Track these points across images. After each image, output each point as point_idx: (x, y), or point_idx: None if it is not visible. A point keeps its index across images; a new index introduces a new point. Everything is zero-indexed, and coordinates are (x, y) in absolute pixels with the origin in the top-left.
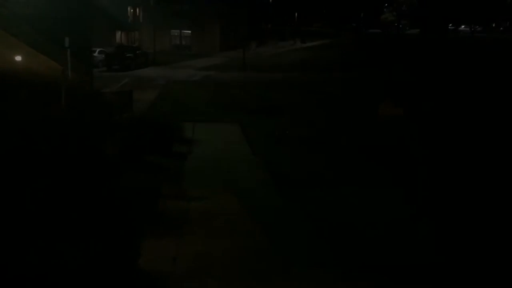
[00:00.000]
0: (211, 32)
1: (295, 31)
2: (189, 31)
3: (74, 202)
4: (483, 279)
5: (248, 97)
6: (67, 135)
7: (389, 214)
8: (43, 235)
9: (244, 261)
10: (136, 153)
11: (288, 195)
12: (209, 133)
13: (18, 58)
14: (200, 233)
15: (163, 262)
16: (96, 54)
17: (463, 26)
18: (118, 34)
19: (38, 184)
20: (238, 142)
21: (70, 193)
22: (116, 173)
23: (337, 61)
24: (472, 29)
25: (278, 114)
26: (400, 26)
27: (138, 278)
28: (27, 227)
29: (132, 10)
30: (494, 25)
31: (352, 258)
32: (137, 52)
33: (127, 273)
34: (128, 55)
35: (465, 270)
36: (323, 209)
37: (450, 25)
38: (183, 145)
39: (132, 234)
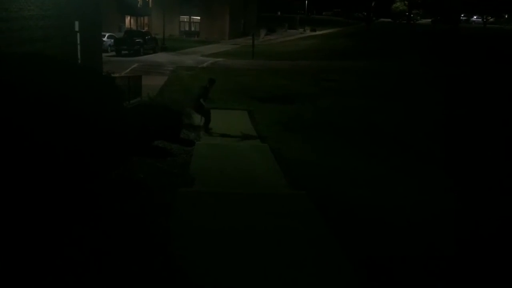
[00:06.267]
0: (220, 18)
1: (305, 19)
2: (199, 17)
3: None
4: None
5: (256, 84)
6: (78, 118)
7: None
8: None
9: None
10: (144, 138)
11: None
12: (217, 120)
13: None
14: None
15: None
16: (105, 39)
17: (475, 17)
18: (128, 19)
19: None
20: (247, 129)
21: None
22: (125, 158)
23: (347, 50)
24: (485, 19)
25: (287, 102)
26: (411, 15)
27: None
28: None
29: None
30: (506, 16)
31: None
32: (146, 37)
33: None
34: (137, 40)
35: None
36: None
37: (463, 15)
38: (191, 131)
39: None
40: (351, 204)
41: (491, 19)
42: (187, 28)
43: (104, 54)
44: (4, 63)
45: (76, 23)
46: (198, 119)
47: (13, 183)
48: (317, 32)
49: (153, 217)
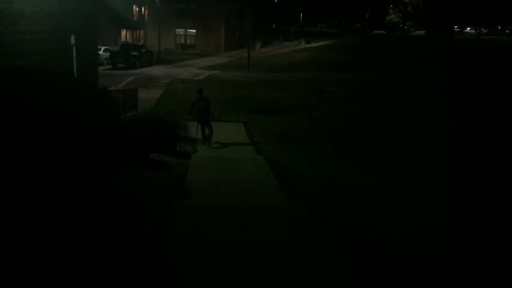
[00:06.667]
0: (216, 31)
1: (299, 31)
2: (194, 30)
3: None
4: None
5: (252, 96)
6: (74, 132)
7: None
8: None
9: None
10: (140, 151)
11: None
12: (213, 133)
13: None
14: None
15: None
16: (101, 52)
17: (468, 28)
18: (124, 32)
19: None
20: (243, 142)
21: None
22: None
23: (342, 61)
24: (478, 31)
25: (283, 114)
26: (405, 27)
27: None
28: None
29: (137, 9)
30: (499, 27)
31: None
32: (142, 50)
33: None
34: (133, 53)
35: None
36: None
37: (456, 27)
38: (188, 144)
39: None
40: (348, 215)
41: (484, 30)
42: (183, 41)
43: (100, 68)
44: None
45: (72, 37)
46: (194, 132)
47: (6, 197)
48: (312, 44)
49: (148, 231)
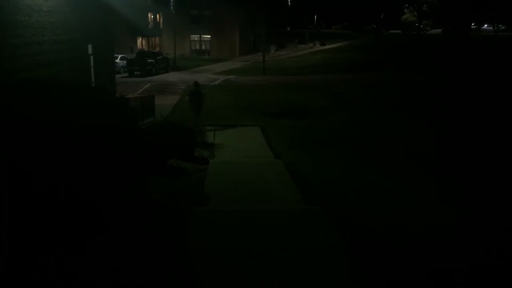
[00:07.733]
0: (230, 36)
1: (314, 33)
2: (209, 36)
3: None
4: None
5: (268, 100)
6: (92, 141)
7: None
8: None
9: None
10: (158, 158)
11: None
12: (230, 138)
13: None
14: None
15: None
16: (118, 60)
17: (486, 25)
18: (139, 40)
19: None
20: (260, 145)
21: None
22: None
23: (357, 63)
24: (496, 28)
25: (300, 117)
26: (421, 26)
27: None
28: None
29: (152, 17)
30: None
31: None
32: (158, 57)
33: None
34: (149, 60)
35: None
36: None
37: (473, 24)
38: (204, 149)
39: None
40: (367, 220)
41: (502, 27)
42: (197, 47)
43: (117, 75)
44: (20, 89)
45: (90, 46)
46: (211, 137)
47: (28, 203)
48: (327, 46)
49: (168, 237)
